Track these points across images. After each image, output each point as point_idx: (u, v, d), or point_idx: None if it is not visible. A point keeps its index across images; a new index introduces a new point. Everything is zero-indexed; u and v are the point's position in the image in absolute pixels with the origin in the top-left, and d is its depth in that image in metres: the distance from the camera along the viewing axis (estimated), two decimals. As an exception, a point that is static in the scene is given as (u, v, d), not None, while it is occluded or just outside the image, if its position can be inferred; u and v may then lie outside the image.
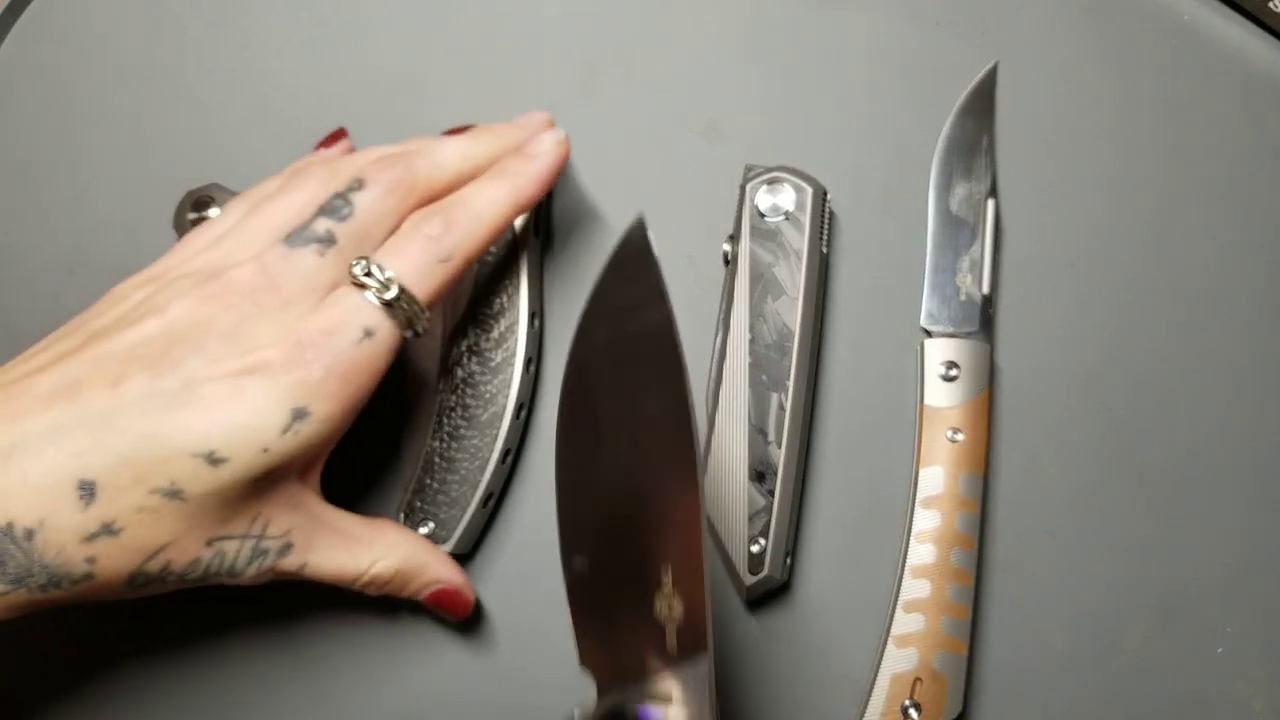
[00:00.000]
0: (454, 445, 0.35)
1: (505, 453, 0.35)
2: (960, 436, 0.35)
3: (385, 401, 0.35)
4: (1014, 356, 0.37)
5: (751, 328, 0.35)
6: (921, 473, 0.35)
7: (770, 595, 0.36)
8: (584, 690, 0.27)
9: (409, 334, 0.31)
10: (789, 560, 0.35)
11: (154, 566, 0.28)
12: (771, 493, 0.34)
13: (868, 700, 0.34)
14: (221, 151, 0.40)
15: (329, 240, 0.30)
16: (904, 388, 0.37)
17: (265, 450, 0.28)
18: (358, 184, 0.31)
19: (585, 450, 0.28)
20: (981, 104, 0.38)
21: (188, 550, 0.28)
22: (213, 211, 0.36)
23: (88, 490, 0.26)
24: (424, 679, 0.36)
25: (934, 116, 0.38)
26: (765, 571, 0.34)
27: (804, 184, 0.35)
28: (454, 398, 0.35)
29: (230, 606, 0.36)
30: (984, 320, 0.36)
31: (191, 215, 0.36)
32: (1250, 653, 0.36)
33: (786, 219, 0.35)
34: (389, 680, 0.36)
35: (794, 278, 0.35)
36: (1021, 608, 0.36)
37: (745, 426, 0.34)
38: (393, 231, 0.32)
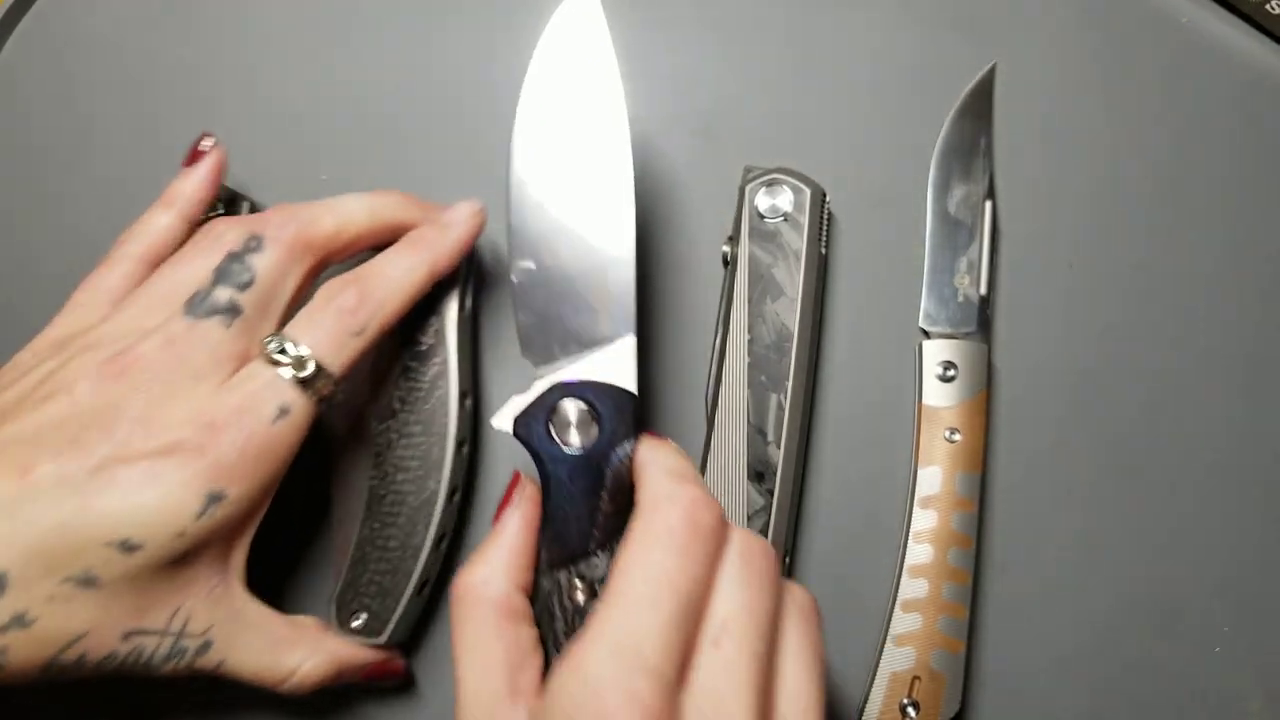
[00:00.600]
0: (385, 533, 0.33)
1: (439, 539, 0.34)
2: (958, 436, 0.35)
3: (315, 487, 0.35)
4: (1011, 357, 0.37)
5: (751, 328, 0.35)
6: (919, 472, 0.35)
7: (769, 594, 0.36)
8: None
9: (323, 408, 0.30)
10: (788, 559, 0.35)
11: (69, 658, 0.27)
12: (770, 492, 0.34)
13: (866, 698, 0.34)
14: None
15: (233, 310, 0.29)
16: (902, 388, 0.37)
17: (181, 535, 0.27)
18: (255, 243, 0.30)
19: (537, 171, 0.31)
20: (980, 106, 0.39)
21: (104, 643, 0.27)
22: (216, 212, 0.36)
23: None
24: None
25: (932, 118, 0.38)
26: (764, 570, 0.34)
27: (803, 185, 0.35)
28: (383, 483, 0.34)
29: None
30: (981, 321, 0.37)
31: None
32: (1247, 652, 0.36)
33: (785, 220, 0.35)
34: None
35: (793, 278, 0.35)
36: (1019, 607, 0.36)
37: (744, 426, 0.34)
38: (298, 291, 0.31)
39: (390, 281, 0.31)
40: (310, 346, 0.29)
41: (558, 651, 0.28)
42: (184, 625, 0.28)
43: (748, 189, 0.36)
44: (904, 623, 0.34)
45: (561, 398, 0.29)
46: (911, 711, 0.34)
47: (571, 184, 0.31)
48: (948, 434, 0.35)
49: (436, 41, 0.40)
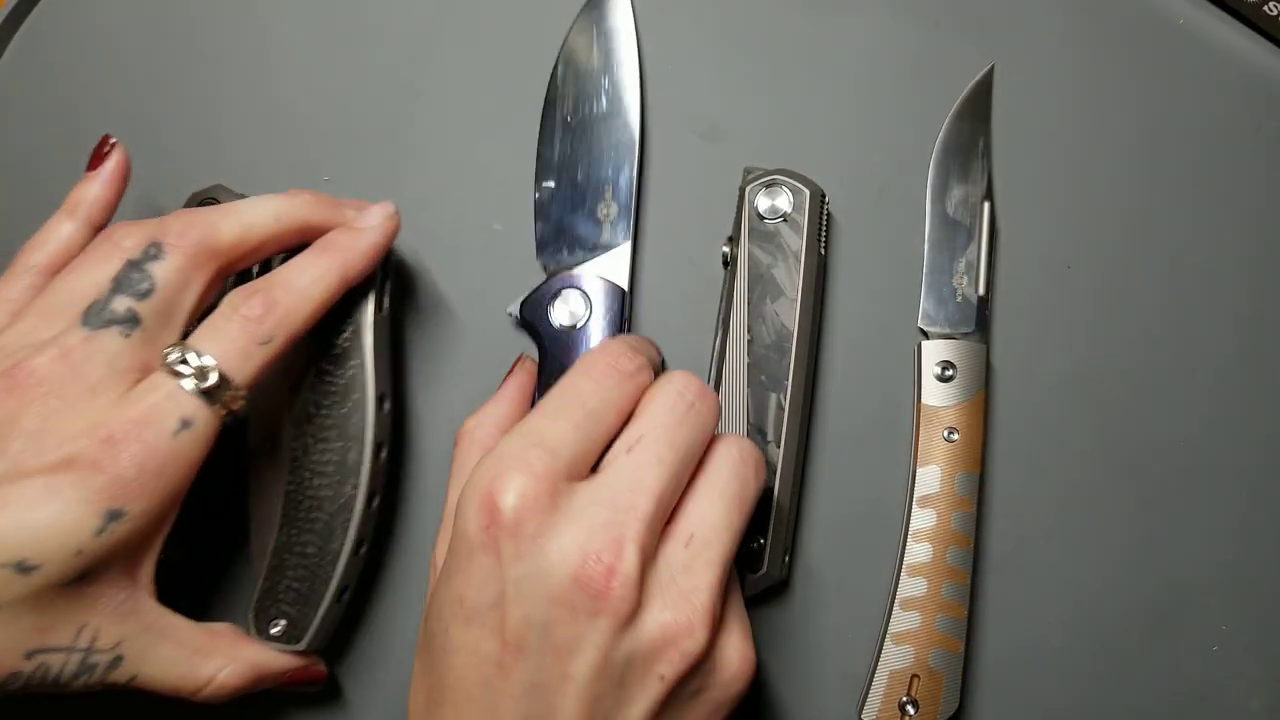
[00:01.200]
0: (303, 539, 0.33)
1: (358, 544, 0.33)
2: (956, 436, 0.35)
3: (234, 492, 0.35)
4: (1010, 357, 0.38)
5: (750, 328, 0.35)
6: (918, 472, 0.35)
7: (769, 593, 0.36)
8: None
9: (229, 420, 0.29)
10: (787, 558, 0.36)
11: None
12: (770, 491, 0.34)
13: (865, 697, 0.34)
14: (225, 153, 0.40)
15: (132, 320, 0.28)
16: (901, 388, 0.37)
17: (79, 553, 0.26)
18: (155, 250, 0.29)
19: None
20: (978, 107, 0.39)
21: (6, 663, 0.26)
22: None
23: None
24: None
25: (931, 119, 0.39)
26: (764, 569, 0.34)
27: (802, 186, 0.36)
28: (300, 488, 0.33)
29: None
30: (980, 321, 0.37)
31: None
32: (1246, 650, 0.36)
33: (785, 221, 0.35)
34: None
35: (792, 279, 0.35)
36: (1017, 606, 0.36)
37: (744, 426, 0.34)
38: (201, 299, 0.30)
39: (299, 289, 0.30)
40: (214, 356, 0.28)
41: None
42: (92, 641, 0.28)
43: (747, 190, 0.36)
44: (903, 621, 0.34)
45: (562, 287, 0.36)
46: (910, 710, 0.34)
47: (588, 121, 0.38)
48: (946, 433, 0.35)
49: (439, 42, 0.40)
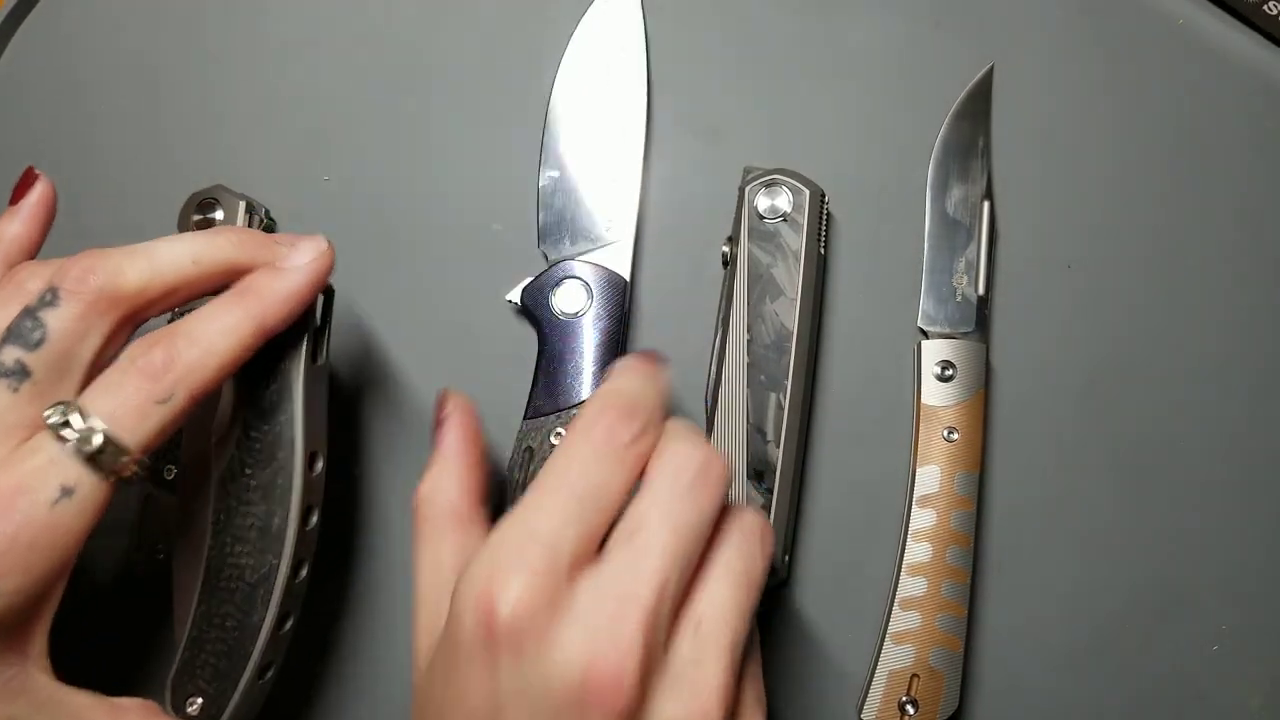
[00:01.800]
0: (223, 610, 0.30)
1: (282, 618, 0.30)
2: (956, 436, 0.35)
3: (158, 554, 0.33)
4: (1009, 357, 0.38)
5: (750, 328, 0.35)
6: (918, 471, 0.35)
7: (769, 593, 0.36)
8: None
9: (129, 484, 0.26)
10: (787, 558, 0.36)
11: None
12: (770, 491, 0.34)
13: (865, 696, 0.34)
14: (226, 153, 0.40)
15: (21, 373, 0.26)
16: (901, 387, 0.37)
17: None
18: (50, 297, 0.26)
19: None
20: (978, 107, 0.39)
21: None
22: (217, 214, 0.36)
23: None
24: None
25: (931, 119, 0.39)
26: (763, 569, 0.34)
27: (802, 186, 0.36)
28: (220, 555, 0.30)
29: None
30: (980, 321, 0.37)
31: (196, 217, 0.36)
32: (1246, 650, 0.36)
33: (785, 220, 0.35)
34: None
35: (792, 279, 0.35)
36: (1017, 605, 0.36)
37: (744, 426, 0.34)
38: (103, 349, 0.27)
39: (205, 341, 0.27)
40: (104, 417, 0.26)
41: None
42: None
43: (747, 190, 0.36)
44: (903, 620, 0.34)
45: (564, 276, 0.36)
46: (910, 709, 0.34)
47: (595, 114, 0.38)
48: (946, 433, 0.35)
49: (441, 42, 0.40)
